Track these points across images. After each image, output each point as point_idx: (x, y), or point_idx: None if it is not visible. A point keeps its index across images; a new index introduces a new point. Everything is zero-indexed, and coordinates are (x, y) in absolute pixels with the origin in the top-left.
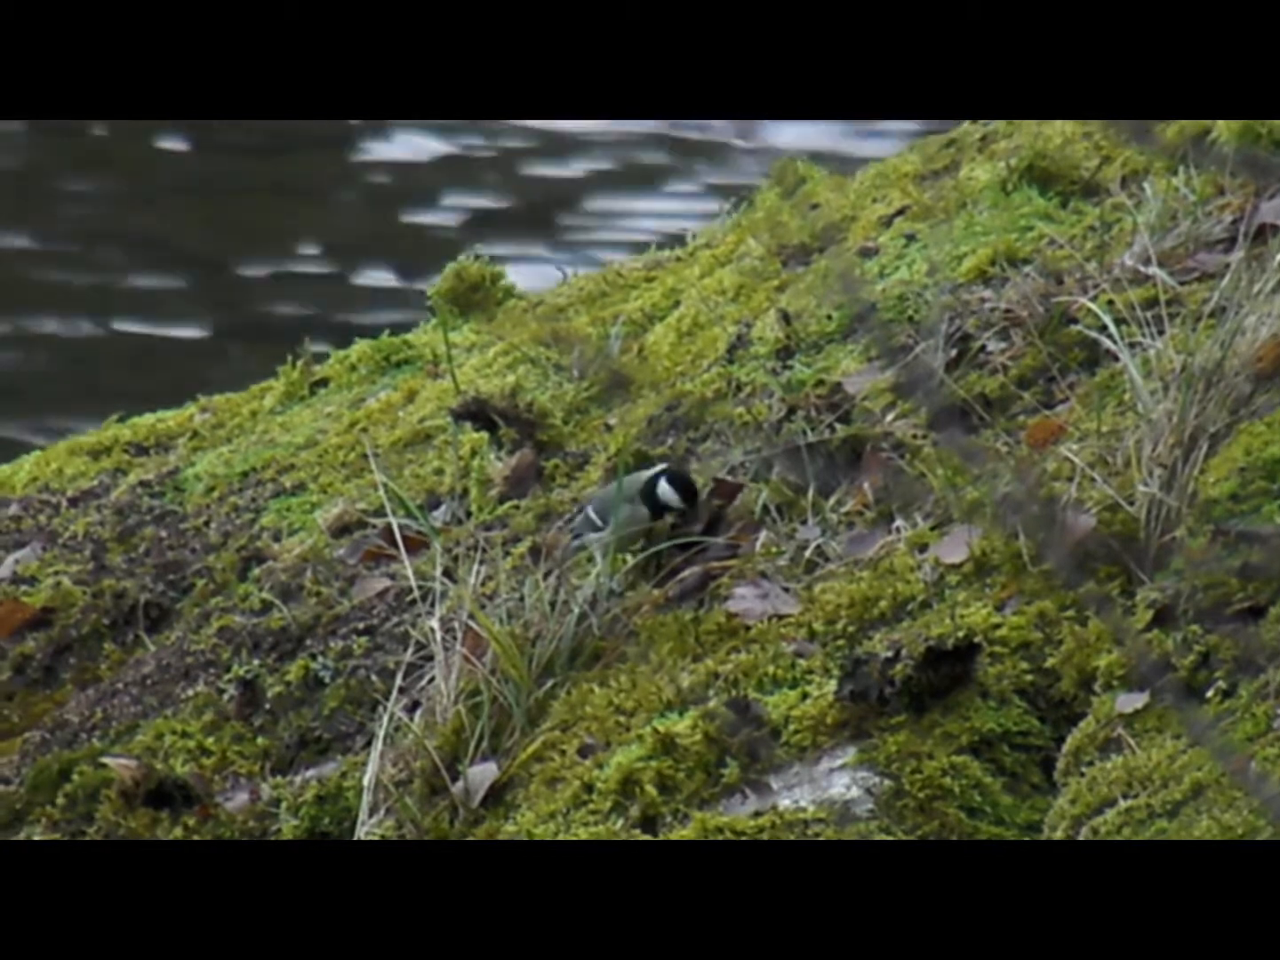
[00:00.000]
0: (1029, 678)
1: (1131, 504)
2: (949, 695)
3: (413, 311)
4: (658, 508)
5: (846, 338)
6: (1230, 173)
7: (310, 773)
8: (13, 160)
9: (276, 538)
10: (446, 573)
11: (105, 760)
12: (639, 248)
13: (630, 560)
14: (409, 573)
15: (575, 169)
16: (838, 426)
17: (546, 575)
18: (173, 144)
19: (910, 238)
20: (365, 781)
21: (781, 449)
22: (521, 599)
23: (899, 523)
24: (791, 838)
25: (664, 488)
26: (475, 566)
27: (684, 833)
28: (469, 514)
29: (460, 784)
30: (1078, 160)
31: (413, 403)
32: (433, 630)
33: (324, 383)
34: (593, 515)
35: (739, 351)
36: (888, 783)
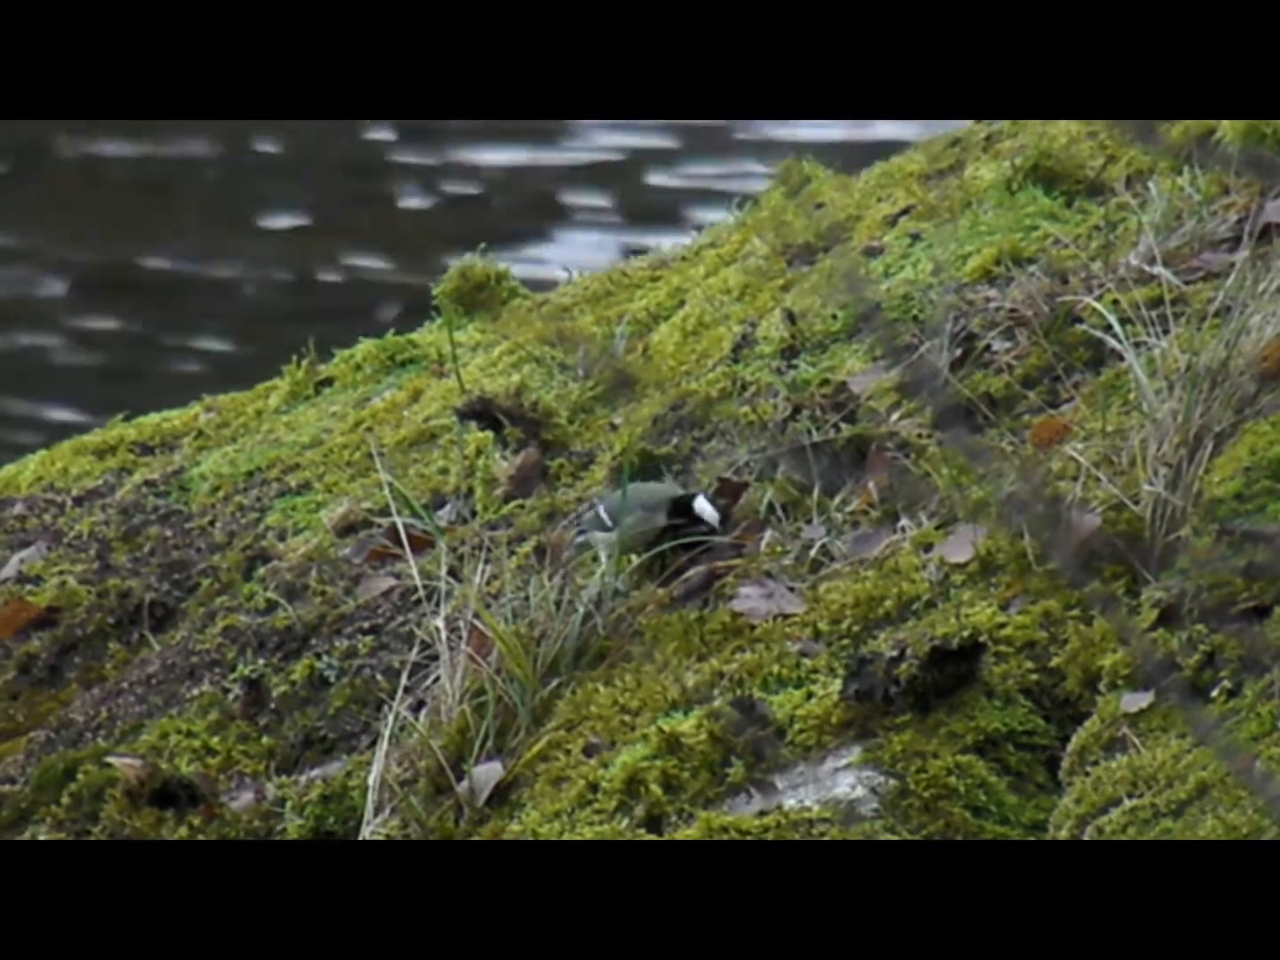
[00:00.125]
0: (1034, 677)
1: (1136, 503)
2: (954, 695)
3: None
4: (692, 519)
5: (851, 337)
6: (1235, 172)
7: (315, 772)
8: None
9: (281, 537)
10: (451, 572)
11: (110, 760)
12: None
13: (635, 560)
14: (414, 572)
15: None
16: (843, 426)
17: (551, 575)
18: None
19: (915, 237)
20: (370, 781)
21: (786, 448)
22: (526, 598)
23: (904, 522)
24: (796, 837)
25: (702, 503)
26: (480, 566)
27: (689, 832)
28: (474, 513)
29: (465, 783)
30: (1083, 160)
31: (418, 402)
32: (438, 630)
33: (329, 382)
34: (603, 515)
35: (744, 351)
36: (893, 782)
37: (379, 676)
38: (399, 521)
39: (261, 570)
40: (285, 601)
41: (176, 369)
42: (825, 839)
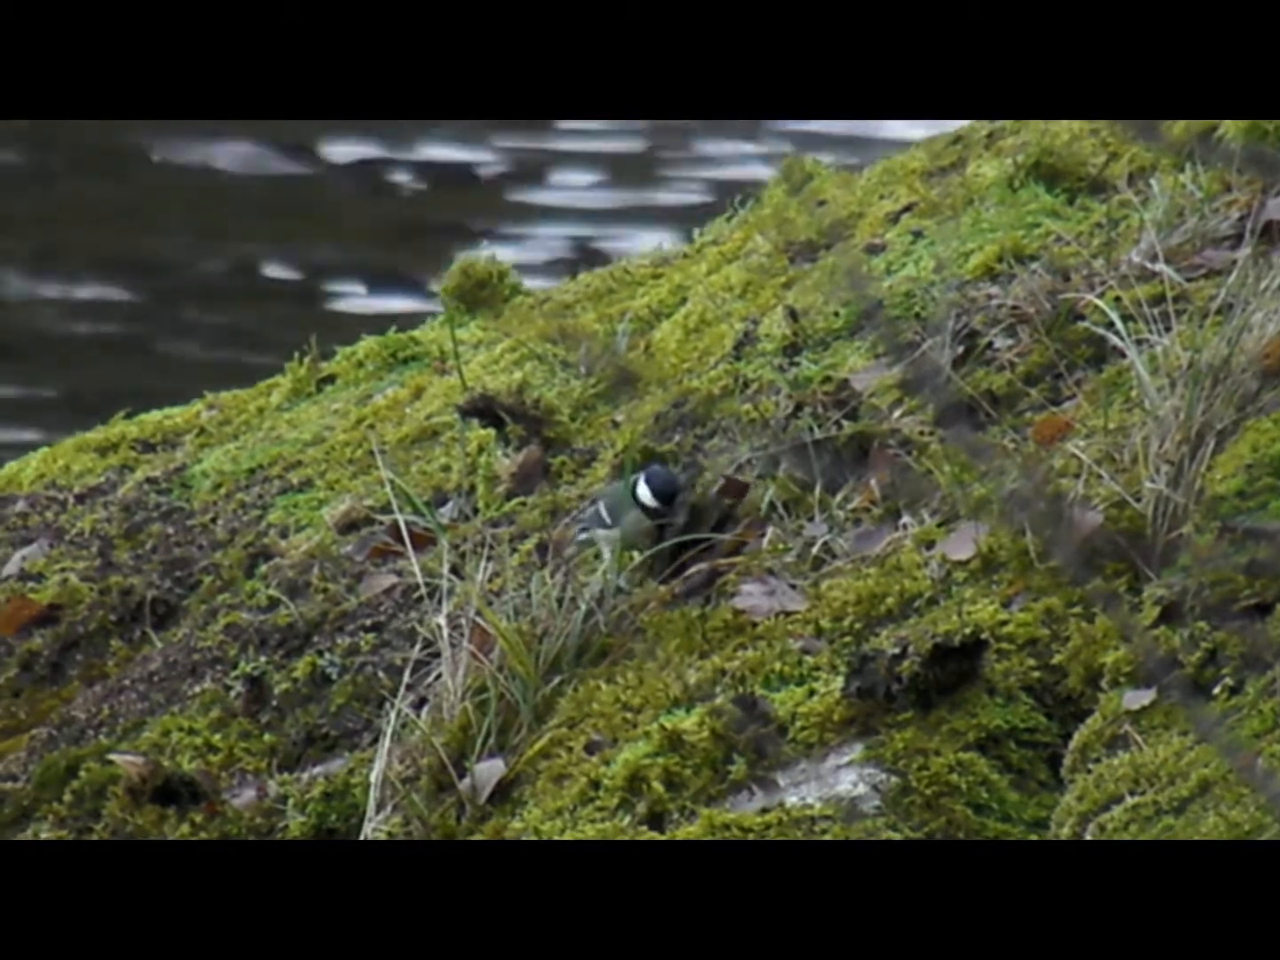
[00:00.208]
0: (1036, 674)
1: (1138, 500)
2: (956, 692)
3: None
4: (644, 508)
5: (853, 334)
6: (1237, 169)
7: (317, 769)
8: None
9: (284, 534)
10: (454, 569)
11: (112, 757)
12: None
13: (637, 557)
14: (416, 569)
15: None
16: (845, 423)
17: (554, 572)
18: None
19: (917, 234)
20: (372, 778)
21: (788, 446)
22: (529, 596)
23: (906, 519)
24: (799, 834)
25: (641, 488)
26: (482, 563)
27: (691, 830)
28: (476, 511)
29: (467, 781)
30: (1085, 157)
31: (420, 399)
32: (440, 627)
33: (331, 379)
34: (603, 513)
35: (746, 348)
36: (895, 779)
37: (381, 674)
38: (401, 519)
39: (263, 567)
40: (287, 599)
41: None
42: (827, 837)
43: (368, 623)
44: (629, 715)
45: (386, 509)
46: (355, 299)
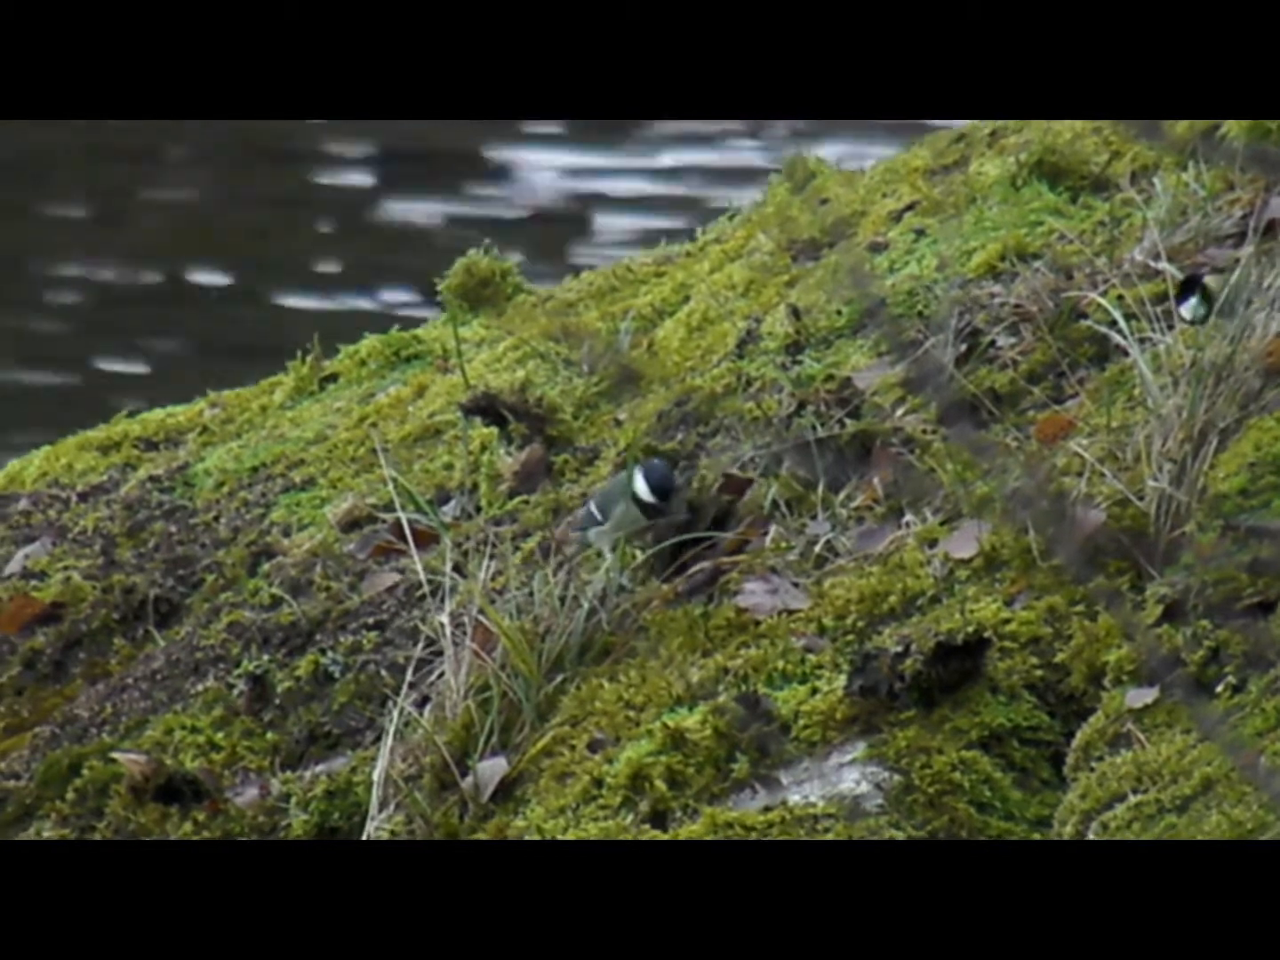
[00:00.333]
0: (1039, 673)
1: (1141, 499)
2: (958, 690)
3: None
4: (641, 503)
5: (856, 333)
6: (1240, 168)
7: (320, 768)
8: None
9: (286, 533)
10: (456, 568)
11: (115, 755)
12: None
13: (639, 556)
14: (419, 568)
15: None
16: (847, 421)
17: (556, 570)
18: None
19: (920, 233)
20: (375, 776)
21: (791, 444)
22: (531, 594)
23: (909, 518)
24: (801, 833)
25: (639, 483)
26: (485, 562)
27: (693, 828)
28: (479, 509)
29: (470, 779)
30: (1087, 155)
31: (422, 398)
32: (442, 625)
33: (333, 378)
34: (594, 510)
35: (749, 346)
36: (897, 778)
37: (384, 672)
38: (403, 517)
39: (266, 566)
40: (290, 597)
41: None
42: (830, 836)
43: (370, 621)
44: (632, 713)
45: (389, 507)
46: None
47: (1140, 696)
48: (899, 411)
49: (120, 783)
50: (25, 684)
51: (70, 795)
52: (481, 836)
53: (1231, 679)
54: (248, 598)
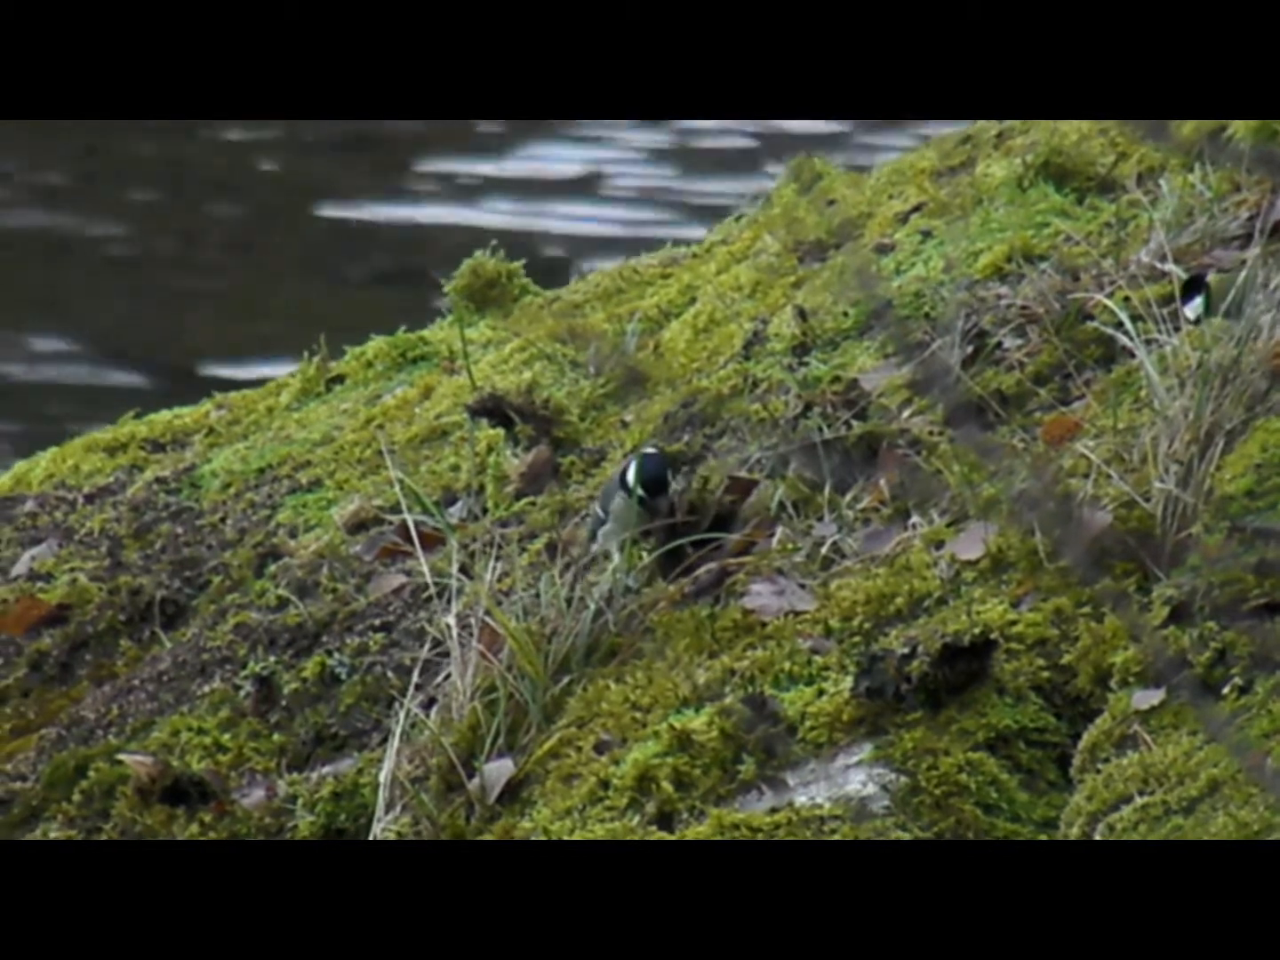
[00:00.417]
0: (1045, 674)
1: (1148, 500)
2: (965, 692)
3: None
4: (632, 493)
5: (863, 334)
6: (1246, 169)
7: (326, 769)
8: None
9: (293, 534)
10: (463, 569)
11: (121, 757)
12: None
13: (646, 557)
14: (425, 569)
15: None
16: (854, 423)
17: (563, 572)
18: None
19: (926, 234)
20: (381, 778)
21: (798, 445)
22: (538, 595)
23: (915, 519)
24: (808, 834)
25: (631, 474)
26: (491, 563)
27: (700, 829)
28: (485, 510)
29: (476, 780)
30: (1094, 157)
31: (429, 399)
32: (449, 627)
33: (340, 379)
34: (598, 509)
35: (755, 348)
36: (904, 779)
37: (390, 674)
38: (410, 519)
39: (273, 567)
40: (296, 598)
41: None
42: (836, 837)
43: (377, 622)
44: (638, 715)
45: (395, 509)
46: None
47: (1147, 698)
48: (905, 413)
49: (127, 784)
50: (31, 686)
51: (77, 797)
52: (488, 838)
53: (1238, 680)
54: (254, 599)
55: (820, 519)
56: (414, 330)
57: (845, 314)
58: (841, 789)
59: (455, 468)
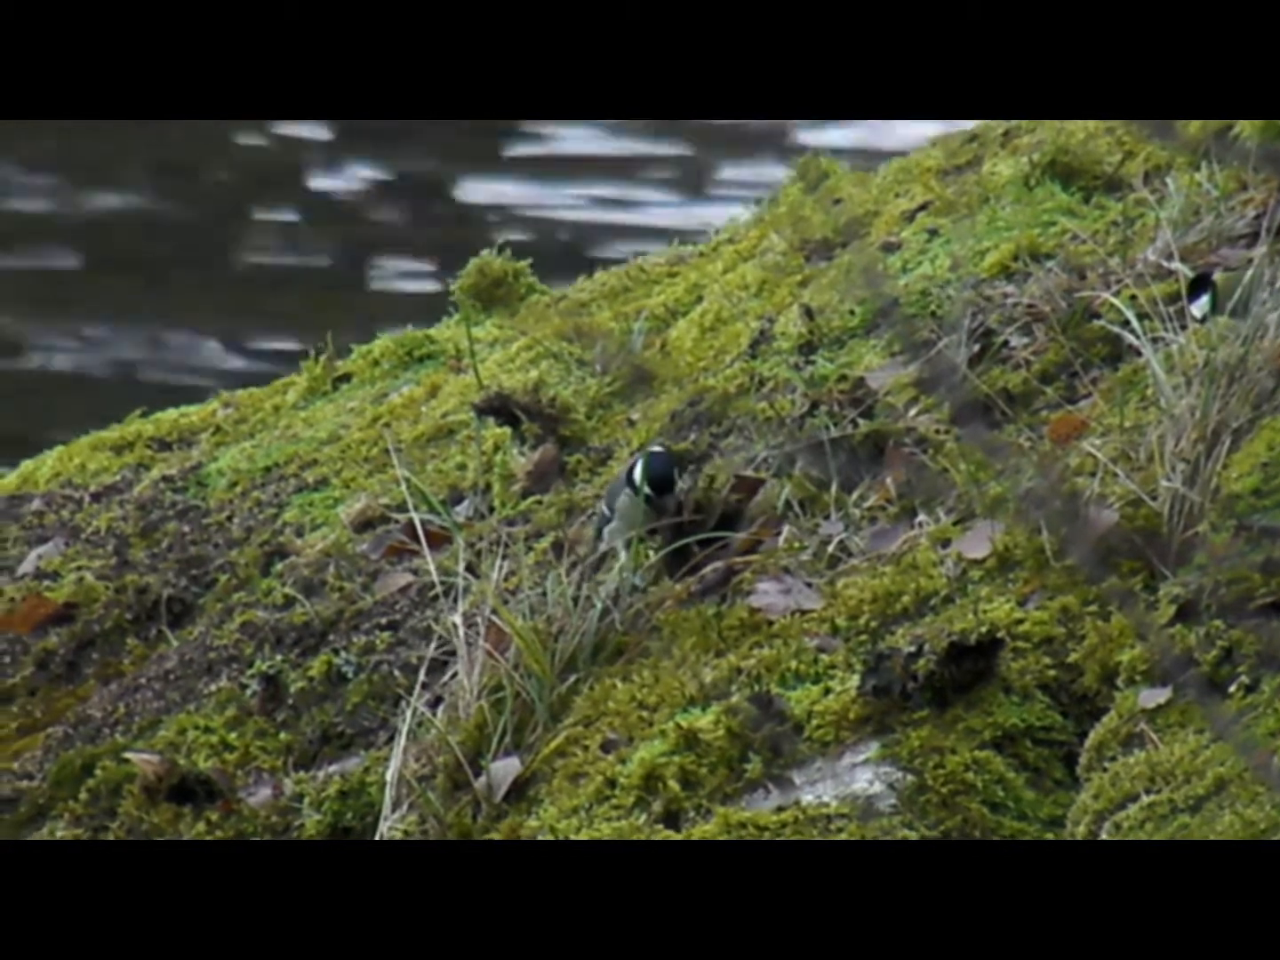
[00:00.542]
0: (1052, 673)
1: (1154, 499)
2: (972, 690)
3: None
4: (639, 491)
5: (869, 333)
6: (1253, 168)
7: (333, 768)
8: None
9: (299, 533)
10: (469, 568)
11: (128, 755)
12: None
13: (653, 555)
14: (431, 568)
15: None
16: (860, 421)
17: (569, 570)
18: None
19: (933, 233)
20: (388, 777)
21: (804, 444)
22: (544, 594)
23: (922, 518)
24: (814, 833)
25: (637, 472)
26: (498, 562)
27: (707, 828)
28: (491, 509)
29: (483, 779)
30: (1100, 155)
31: (435, 398)
32: (455, 625)
33: (347, 378)
34: (604, 508)
35: (762, 346)
36: (910, 778)
37: (397, 672)
38: (416, 517)
39: (279, 566)
40: (303, 597)
41: None
42: (843, 836)
43: (383, 621)
44: (645, 714)
45: (402, 507)
46: None
47: (1153, 696)
48: (912, 411)
49: (133, 783)
50: (38, 684)
51: (83, 795)
52: (495, 836)
53: (1244, 679)
54: (261, 598)
55: (827, 517)
56: (421, 329)
57: (852, 312)
58: (848, 787)
59: (462, 466)
